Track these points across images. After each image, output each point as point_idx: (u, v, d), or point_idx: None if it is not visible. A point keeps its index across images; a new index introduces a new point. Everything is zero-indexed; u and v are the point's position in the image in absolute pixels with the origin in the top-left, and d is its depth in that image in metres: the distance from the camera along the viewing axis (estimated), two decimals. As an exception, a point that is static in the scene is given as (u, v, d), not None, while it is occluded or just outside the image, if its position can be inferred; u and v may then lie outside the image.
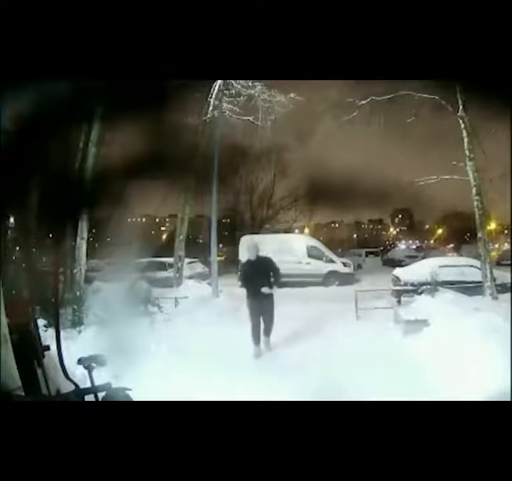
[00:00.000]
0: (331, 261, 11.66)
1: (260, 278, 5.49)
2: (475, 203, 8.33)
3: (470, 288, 7.82)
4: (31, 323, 2.11)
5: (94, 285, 7.49)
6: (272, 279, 5.54)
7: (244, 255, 11.41)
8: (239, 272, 6.22)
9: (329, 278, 11.35)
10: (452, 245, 17.19)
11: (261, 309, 5.54)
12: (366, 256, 15.56)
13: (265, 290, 5.45)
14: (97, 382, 2.12)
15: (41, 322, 2.99)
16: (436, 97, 8.16)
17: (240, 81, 9.70)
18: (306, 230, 15.39)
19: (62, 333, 2.12)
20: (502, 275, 8.74)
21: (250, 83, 9.87)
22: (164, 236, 16.00)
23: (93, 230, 8.36)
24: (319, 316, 6.94)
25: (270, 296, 5.56)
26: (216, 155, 9.40)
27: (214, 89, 9.70)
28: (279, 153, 12.38)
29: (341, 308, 7.58)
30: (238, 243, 11.47)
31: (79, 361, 2.22)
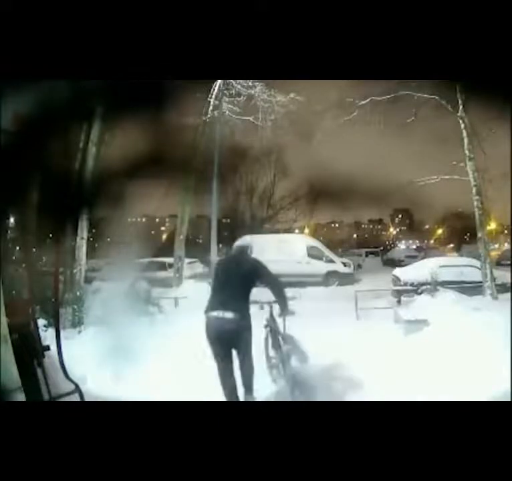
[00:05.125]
0: (331, 261, 11.64)
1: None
2: (475, 203, 8.32)
3: (470, 288, 7.81)
4: (31, 323, 2.12)
5: (94, 285, 7.48)
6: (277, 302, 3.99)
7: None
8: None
9: (329, 278, 11.32)
10: (452, 245, 17.15)
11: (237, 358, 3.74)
12: (366, 256, 15.50)
13: None
14: None
15: (41, 322, 2.99)
16: (436, 97, 8.16)
17: (240, 81, 9.69)
18: (306, 230, 15.34)
19: (62, 333, 2.12)
20: (502, 275, 8.72)
21: (250, 83, 9.86)
22: (164, 236, 15.98)
23: (93, 230, 8.35)
24: (319, 316, 6.92)
25: (246, 329, 3.71)
26: (216, 155, 9.40)
27: (214, 89, 9.70)
28: (279, 153, 12.34)
29: (341, 308, 7.56)
30: (238, 243, 11.49)
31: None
